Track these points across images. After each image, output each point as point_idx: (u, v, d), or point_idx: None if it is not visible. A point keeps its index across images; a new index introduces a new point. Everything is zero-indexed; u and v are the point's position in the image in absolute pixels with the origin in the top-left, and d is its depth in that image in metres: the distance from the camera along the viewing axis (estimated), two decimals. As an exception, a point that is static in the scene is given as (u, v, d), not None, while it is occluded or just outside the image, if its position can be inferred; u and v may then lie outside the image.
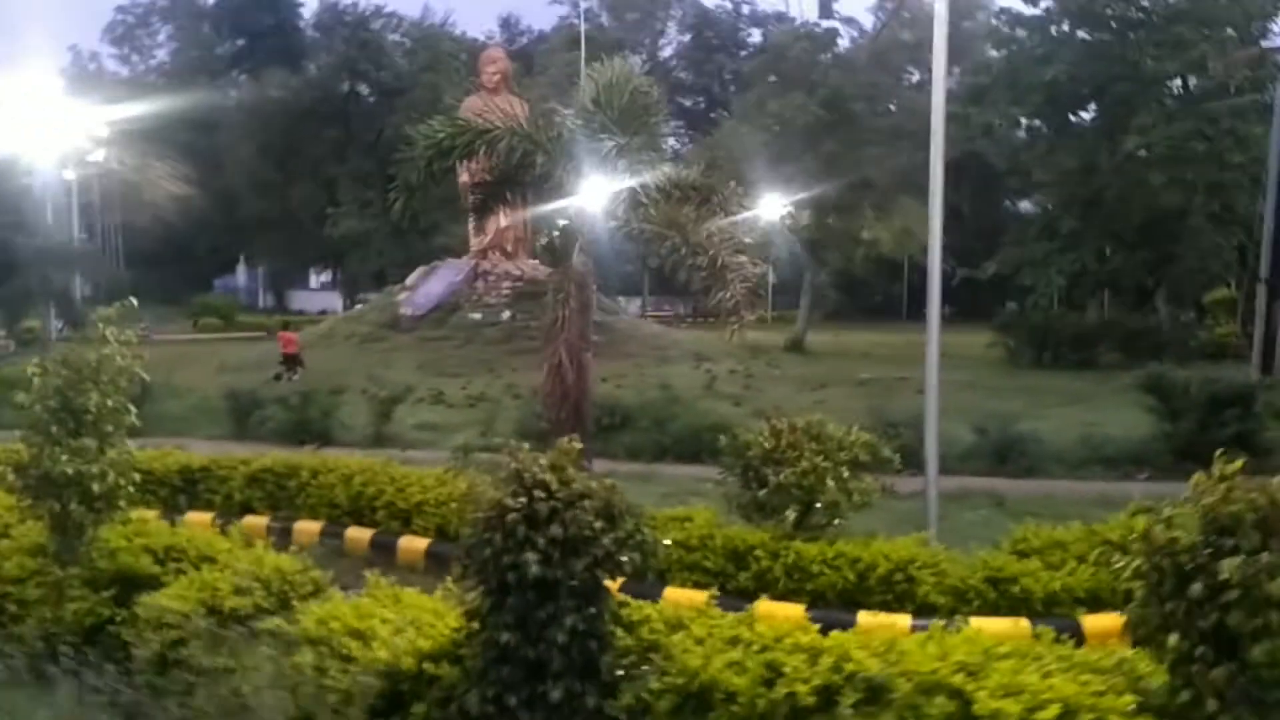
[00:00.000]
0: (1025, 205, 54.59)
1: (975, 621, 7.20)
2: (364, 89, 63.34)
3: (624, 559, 4.80)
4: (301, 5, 71.74)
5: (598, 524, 4.72)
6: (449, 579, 5.82)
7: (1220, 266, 34.71)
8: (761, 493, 8.34)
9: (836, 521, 8.34)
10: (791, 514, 8.14)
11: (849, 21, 58.26)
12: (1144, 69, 32.32)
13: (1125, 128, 32.13)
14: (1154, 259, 35.58)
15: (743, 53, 74.01)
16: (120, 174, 42.18)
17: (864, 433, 8.81)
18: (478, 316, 34.02)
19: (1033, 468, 15.58)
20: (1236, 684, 3.97)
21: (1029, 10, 35.74)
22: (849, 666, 4.52)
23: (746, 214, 9.99)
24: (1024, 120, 36.78)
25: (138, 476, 6.90)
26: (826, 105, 38.13)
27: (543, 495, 4.74)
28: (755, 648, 4.81)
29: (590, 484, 4.84)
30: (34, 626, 6.66)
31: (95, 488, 6.45)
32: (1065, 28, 35.42)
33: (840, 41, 47.10)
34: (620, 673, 4.85)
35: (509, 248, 36.28)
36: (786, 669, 4.57)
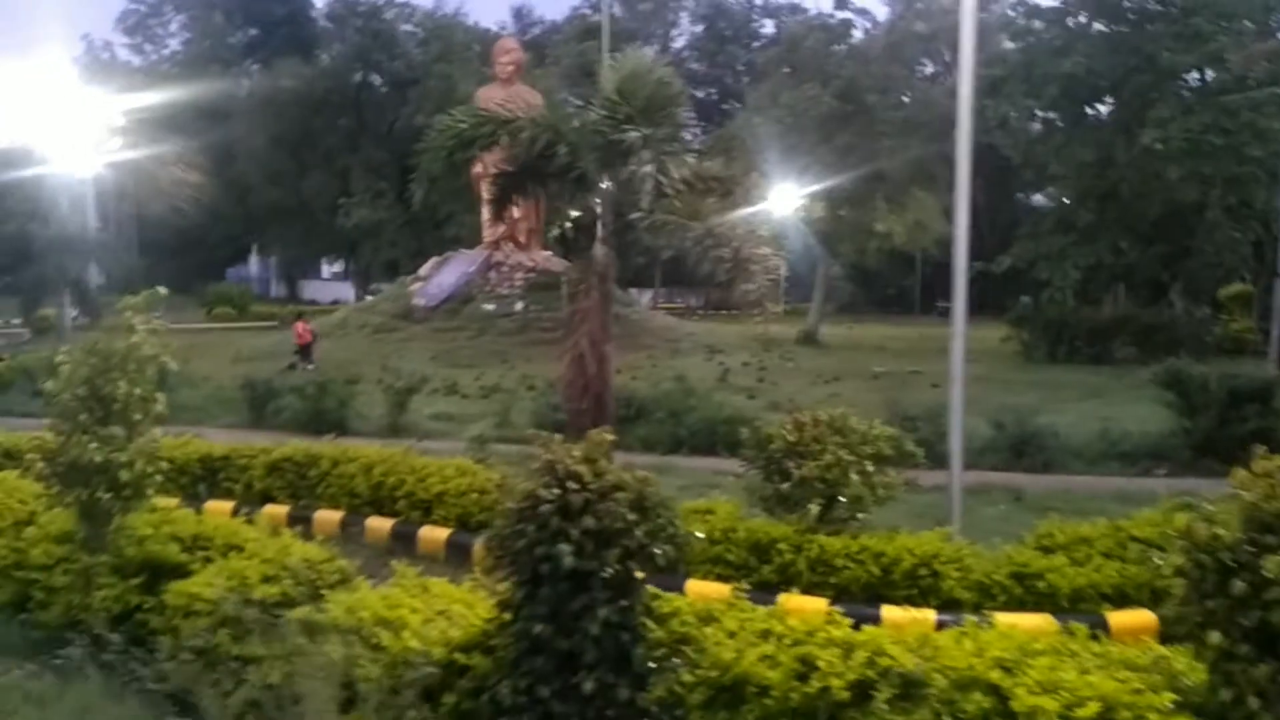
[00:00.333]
0: (1038, 199, 54.36)
1: (1000, 617, 7.20)
2: (377, 79, 63.27)
3: (657, 551, 4.80)
4: (314, -6, 71.75)
5: (631, 516, 4.72)
6: (477, 569, 5.84)
7: (1237, 261, 34.51)
8: (784, 486, 8.31)
9: (860, 516, 8.31)
10: (814, 508, 8.11)
11: (862, 13, 58.02)
12: (1161, 62, 32.06)
13: (1142, 121, 31.88)
14: (1170, 253, 35.39)
15: (755, 44, 73.73)
16: (134, 163, 42.25)
17: (887, 427, 8.76)
18: (491, 307, 34.06)
19: (1050, 462, 15.52)
20: (1278, 682, 3.95)
21: (1046, 2, 35.56)
22: (883, 661, 4.51)
23: (765, 206, 9.90)
24: (1039, 113, 36.53)
25: (165, 465, 6.91)
26: (841, 97, 37.95)
27: (576, 487, 4.74)
28: (788, 641, 4.80)
29: (623, 476, 4.84)
30: (61, 613, 6.70)
31: (123, 476, 6.46)
32: (1082, 20, 35.19)
33: (854, 33, 46.91)
34: (652, 665, 4.85)
35: (522, 239, 36.27)
36: (820, 663, 4.56)
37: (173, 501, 8.78)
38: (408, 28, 65.54)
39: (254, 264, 76.07)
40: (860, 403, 17.07)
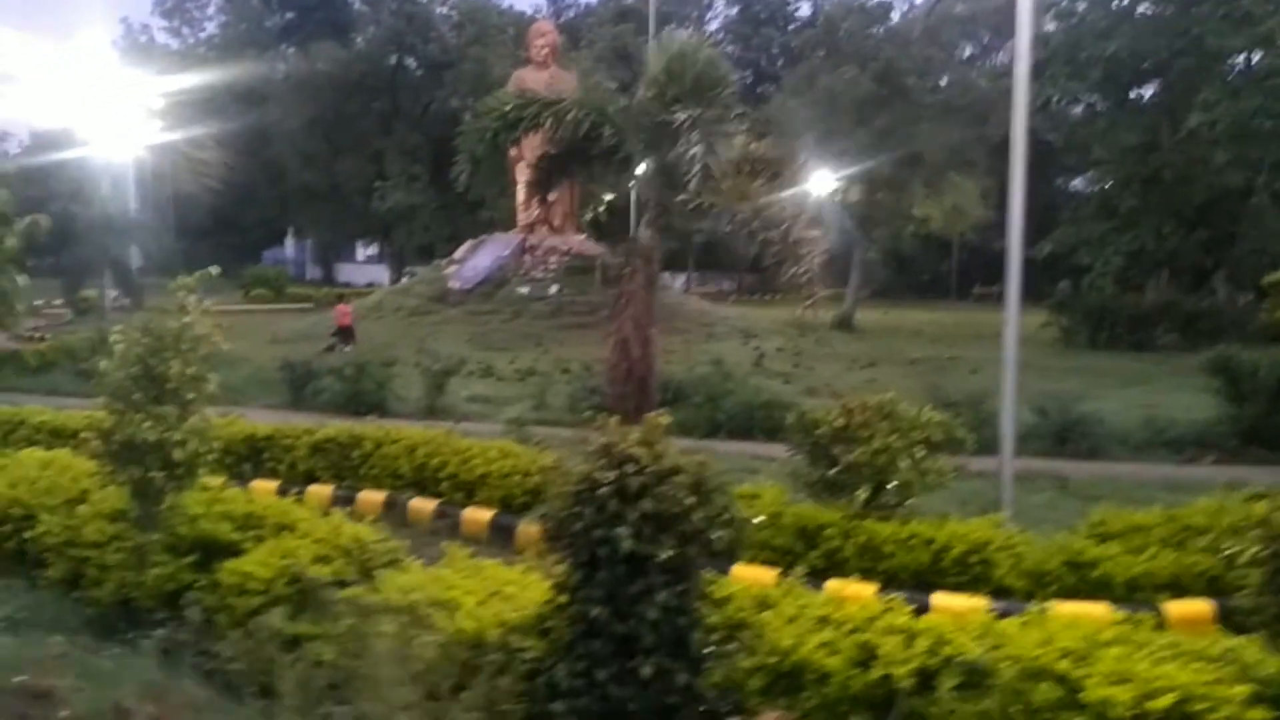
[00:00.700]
0: (1077, 184, 53.59)
1: (1054, 606, 7.09)
2: (411, 62, 63.34)
3: (714, 535, 4.74)
4: (349, -23, 71.89)
5: (689, 500, 4.66)
6: (529, 550, 5.81)
7: (1282, 247, 33.89)
8: (831, 471, 8.23)
9: (909, 502, 8.22)
10: (863, 493, 8.02)
11: (898, -5, 57.78)
12: (1208, 44, 31.44)
13: (1187, 104, 31.31)
14: (1214, 239, 34.80)
15: (791, 26, 73.17)
16: (172, 146, 42.66)
17: (935, 412, 8.64)
18: (525, 291, 34.06)
19: (1095, 449, 15.34)
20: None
21: (1090, -17, 34.96)
22: (946, 650, 4.44)
23: (811, 188, 9.77)
24: (1082, 96, 35.98)
25: (217, 444, 6.94)
26: (879, 79, 37.56)
27: (633, 469, 4.69)
28: (847, 628, 4.74)
29: (680, 459, 4.78)
30: (113, 590, 6.75)
31: (176, 455, 6.49)
32: (1126, 1, 34.58)
33: (892, 15, 46.46)
34: (708, 650, 4.80)
35: (556, 222, 36.22)
36: (881, 651, 4.49)
37: (219, 480, 8.84)
38: (442, 11, 65.54)
39: (290, 246, 76.60)
40: (898, 388, 16.80)
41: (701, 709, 4.65)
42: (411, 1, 63.99)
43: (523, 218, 36.10)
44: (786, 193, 9.30)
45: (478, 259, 35.86)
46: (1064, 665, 4.21)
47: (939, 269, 68.28)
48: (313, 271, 72.33)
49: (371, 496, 10.72)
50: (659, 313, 10.33)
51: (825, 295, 9.85)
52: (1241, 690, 4.02)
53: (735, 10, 77.73)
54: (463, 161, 10.95)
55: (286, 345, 27.27)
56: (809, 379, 24.15)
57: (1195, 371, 17.39)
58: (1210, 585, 7.58)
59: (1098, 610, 7.04)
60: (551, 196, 30.19)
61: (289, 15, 70.34)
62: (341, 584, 5.89)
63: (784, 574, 7.42)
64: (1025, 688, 4.17)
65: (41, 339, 25.31)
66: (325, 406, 18.16)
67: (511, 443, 11.33)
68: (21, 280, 7.32)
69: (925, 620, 4.75)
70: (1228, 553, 6.28)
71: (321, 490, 10.80)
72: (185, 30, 75.89)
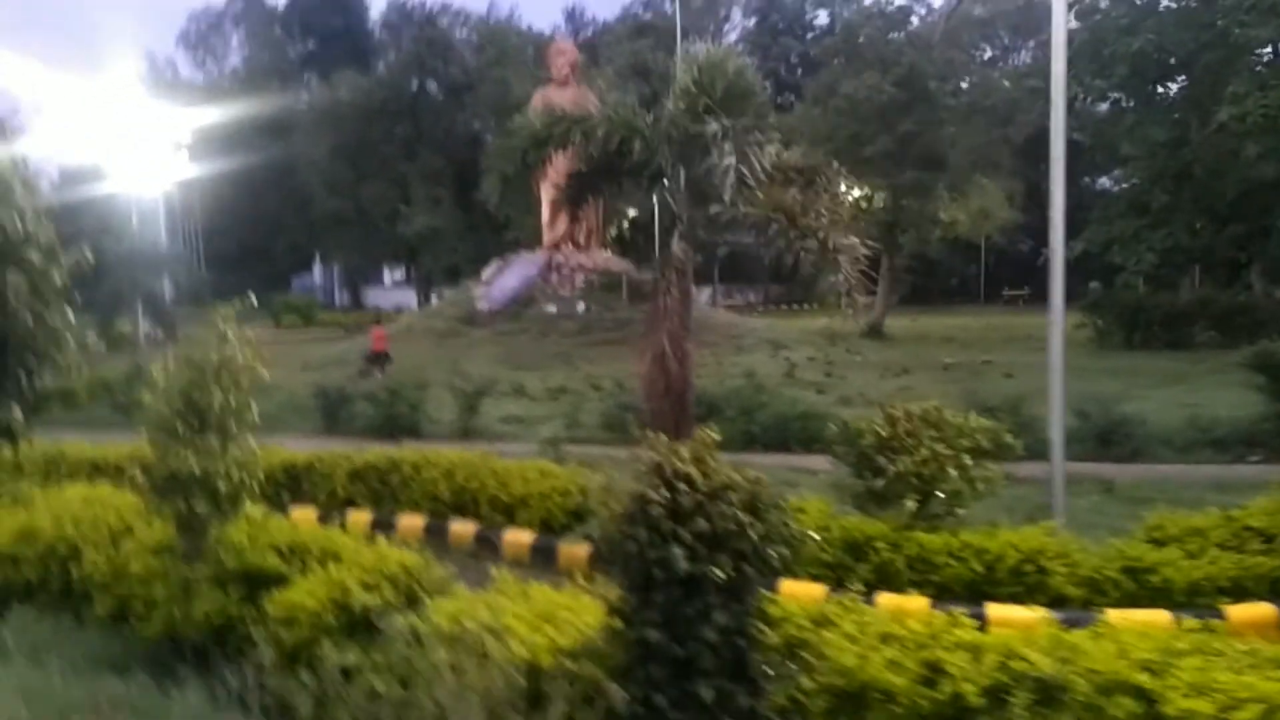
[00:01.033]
0: (1104, 182, 53.04)
1: (1114, 614, 6.92)
2: (433, 86, 63.83)
3: (772, 553, 4.63)
4: (369, 6, 72.81)
5: (744, 518, 4.55)
6: (577, 573, 5.72)
7: (1319, 239, 33.35)
8: (878, 482, 8.09)
9: (959, 511, 8.06)
10: (911, 504, 7.88)
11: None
12: (1234, 36, 31.02)
13: (1216, 98, 30.88)
14: (1247, 233, 34.26)
15: (809, 35, 73.09)
16: (200, 177, 43.15)
17: (982, 419, 8.49)
18: (553, 309, 34.13)
19: (1138, 451, 15.09)
20: None
21: (1111, -21, 34.63)
22: (1017, 665, 4.30)
23: (850, 194, 9.66)
24: (1108, 94, 35.60)
25: (261, 475, 6.91)
26: (902, 84, 37.38)
27: (686, 488, 4.59)
28: (911, 645, 4.61)
29: (734, 476, 4.67)
30: (161, 625, 6.72)
31: (221, 486, 6.46)
32: (1149, -4, 34.25)
33: (911, 19, 46.24)
34: (768, 671, 4.68)
35: (582, 240, 36.27)
36: (949, 668, 4.36)
37: (259, 509, 8.82)
38: (462, 34, 66.07)
39: (318, 273, 77.23)
40: (933, 395, 16.62)
41: (764, 733, 4.53)
42: (431, 26, 64.59)
43: (548, 236, 36.19)
44: (824, 200, 9.17)
45: (505, 279, 35.96)
46: (1142, 678, 4.06)
47: (966, 273, 67.76)
48: (341, 297, 72.89)
49: (411, 521, 10.70)
50: (691, 327, 10.25)
51: (867, 303, 9.71)
52: (1329, 700, 3.86)
53: (753, 21, 77.77)
54: (492, 181, 10.94)
55: (318, 371, 27.38)
56: (842, 388, 23.96)
57: (1235, 369, 17.10)
58: (1272, 588, 7.39)
59: (1159, 617, 6.87)
60: (572, 213, 30.34)
61: (310, 45, 71.21)
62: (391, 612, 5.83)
63: (835, 589, 7.31)
64: (1102, 702, 4.02)
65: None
66: (360, 431, 18.21)
67: (550, 463, 11.28)
68: (73, 317, 7.39)
69: (991, 634, 4.61)
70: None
71: (361, 516, 10.79)
72: (209, 62, 76.99)
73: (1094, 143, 37.61)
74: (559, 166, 12.09)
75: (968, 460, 7.92)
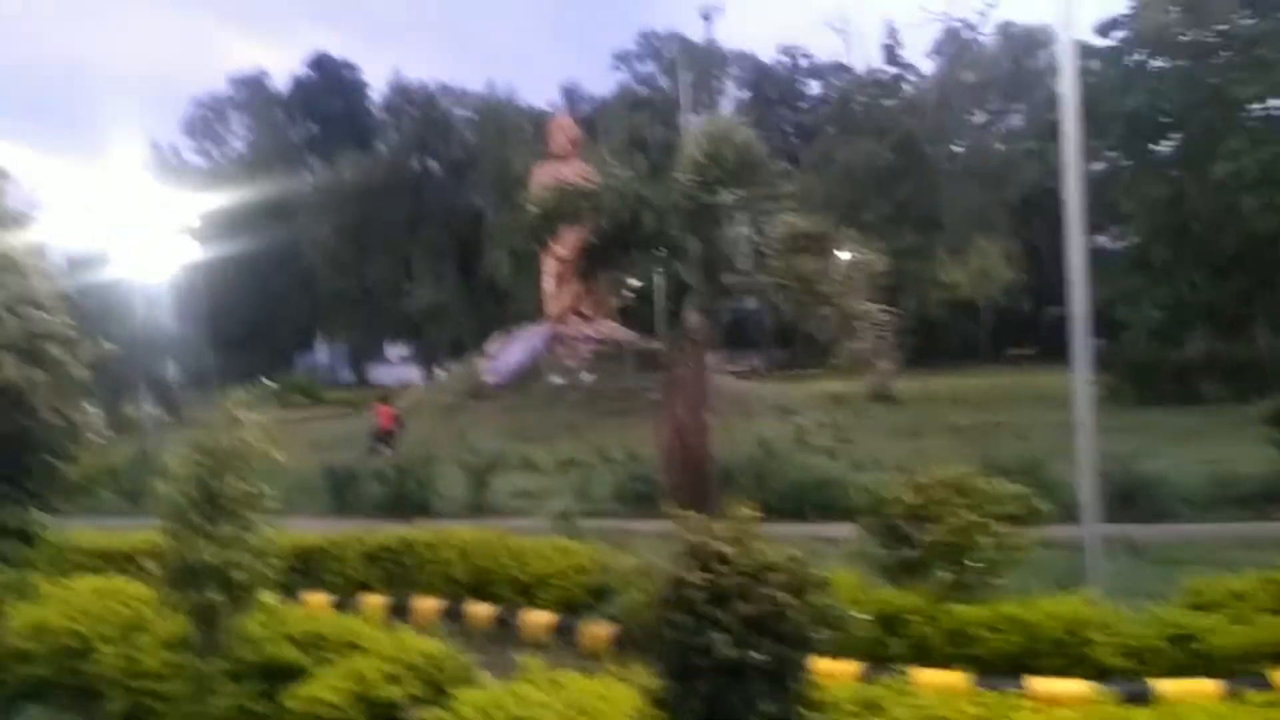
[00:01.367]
0: (1102, 240, 53.34)
1: (1162, 684, 6.68)
2: (434, 164, 64.64)
3: (816, 635, 4.45)
4: (370, 87, 73.94)
5: (787, 599, 4.38)
6: (590, 653, 5.52)
7: (1321, 290, 33.40)
8: (909, 552, 7.88)
9: (996, 581, 7.83)
10: (946, 574, 7.66)
11: (906, 68, 58.28)
12: (1226, 94, 31.47)
13: (1211, 154, 31.22)
14: (1251, 286, 34.31)
15: (802, 104, 74.09)
16: (205, 260, 43.39)
17: (1011, 485, 8.30)
18: (559, 381, 34.00)
19: (1161, 511, 14.82)
20: None
21: (1100, 42, 35.13)
22: (1081, 748, 4.09)
23: (862, 260, 9.63)
24: (1103, 153, 35.95)
25: (276, 562, 6.73)
26: (898, 149, 37.84)
27: (724, 569, 4.42)
28: (967, 729, 4.40)
29: (774, 555, 4.51)
30: (177, 723, 6.50)
31: (236, 575, 6.29)
32: (1139, 57, 34.75)
33: (903, 86, 47.03)
34: (816, 760, 4.47)
35: (586, 310, 36.32)
36: (1011, 753, 4.15)
37: (271, 596, 8.62)
38: (462, 112, 67.04)
39: (321, 351, 77.33)
40: (947, 458, 16.43)
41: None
42: (431, 106, 65.55)
43: (553, 308, 36.25)
44: (837, 266, 9.12)
45: (510, 352, 35.94)
46: (1217, 760, 3.85)
47: (968, 333, 67.81)
48: (345, 375, 72.87)
49: (427, 604, 10.44)
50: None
51: (890, 370, 9.60)
52: None
53: (746, 94, 78.94)
54: (503, 257, 10.93)
55: (326, 451, 27.15)
56: (854, 453, 23.70)
57: (1249, 423, 16.93)
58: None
59: (1207, 686, 6.63)
60: (580, 285, 30.42)
61: (313, 127, 72.21)
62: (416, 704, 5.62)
63: (871, 665, 7.07)
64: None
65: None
66: (369, 510, 17.97)
67: (567, 540, 11.06)
68: (93, 411, 7.25)
69: (1053, 714, 4.39)
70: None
71: (376, 600, 10.54)
72: (211, 148, 77.97)
73: (1091, 201, 37.85)
74: (564, 239, 12.11)
75: (1000, 528, 7.73)
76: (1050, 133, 35.65)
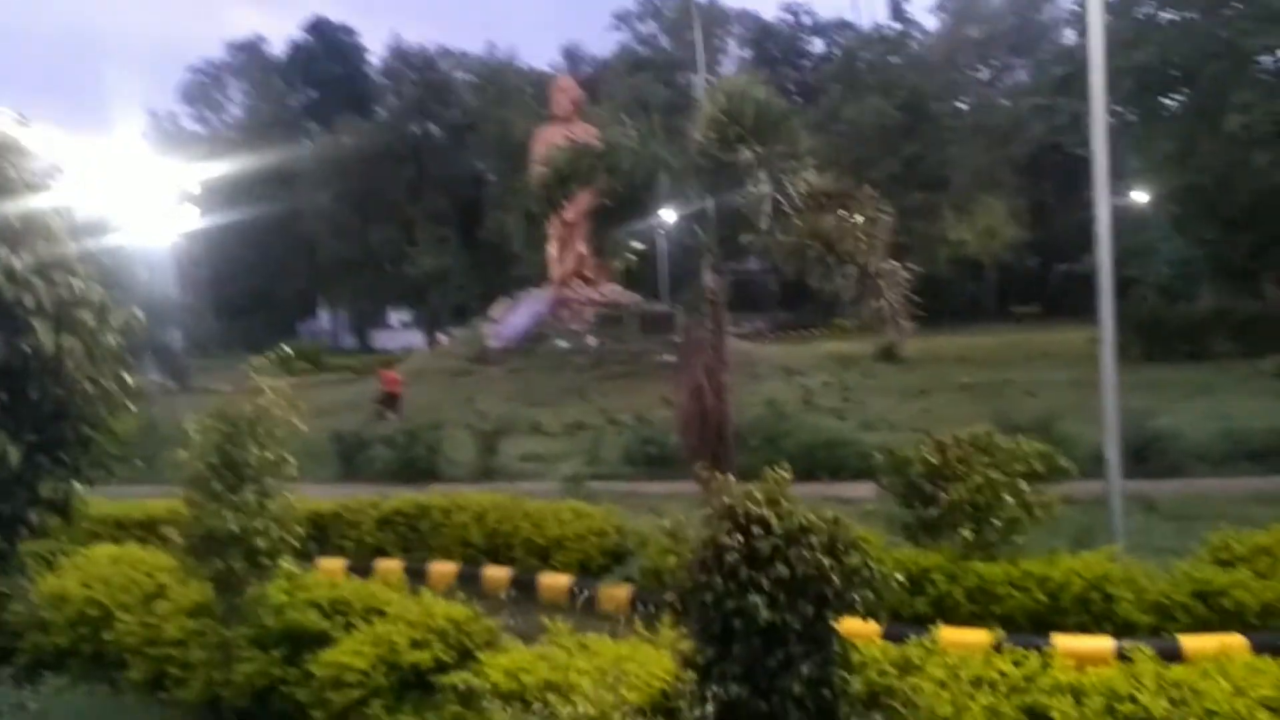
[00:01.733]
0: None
1: (1187, 640, 6.65)
2: (434, 129, 64.06)
3: (855, 597, 4.39)
4: (369, 51, 73.15)
5: (825, 560, 4.32)
6: (609, 614, 5.48)
7: (1333, 246, 33.19)
8: (930, 511, 7.83)
9: (1018, 539, 7.78)
10: (967, 533, 7.61)
11: (911, 23, 57.50)
12: (1237, 46, 31.02)
13: (1221, 108, 30.83)
14: (1261, 242, 34.07)
15: (805, 62, 73.29)
16: (207, 227, 43.18)
17: (1035, 442, 8.23)
18: (564, 344, 33.90)
19: (1175, 467, 14.80)
20: None
21: (1110, -5, 34.64)
22: (1125, 708, 4.04)
23: (878, 218, 9.48)
24: (1113, 108, 35.57)
25: (299, 529, 6.68)
26: (904, 107, 37.43)
27: (761, 532, 4.36)
28: (1004, 690, 4.35)
29: (811, 517, 4.44)
30: (200, 690, 6.47)
31: (259, 543, 6.24)
32: (1149, 10, 34.26)
33: (908, 42, 46.43)
34: (853, 721, 4.43)
35: (590, 274, 36.12)
36: (1053, 713, 4.10)
37: (293, 563, 8.59)
38: (462, 75, 66.36)
39: (324, 318, 77.18)
40: (957, 416, 16.39)
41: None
42: (431, 69, 64.85)
43: (556, 271, 36.07)
44: (858, 224, 8.98)
45: (515, 316, 35.80)
46: (1265, 718, 3.80)
47: (974, 291, 67.59)
48: (347, 340, 72.76)
49: (443, 568, 10.43)
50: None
51: (912, 329, 9.50)
52: None
53: (748, 52, 78.04)
54: (509, 221, 10.79)
55: (331, 416, 27.13)
56: (862, 413, 23.66)
57: (1260, 377, 16.83)
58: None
59: (1235, 641, 6.60)
60: (583, 249, 30.19)
61: (312, 93, 71.51)
62: (442, 670, 5.58)
63: (892, 624, 7.03)
64: (1226, 747, 3.77)
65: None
66: (378, 476, 17.94)
67: (583, 503, 11.03)
68: (131, 380, 7.11)
69: (1092, 674, 4.34)
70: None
71: (391, 565, 10.52)
72: (210, 115, 77.29)
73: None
74: (570, 202, 11.93)
75: (1023, 485, 7.67)
76: (1057, 88, 35.35)
